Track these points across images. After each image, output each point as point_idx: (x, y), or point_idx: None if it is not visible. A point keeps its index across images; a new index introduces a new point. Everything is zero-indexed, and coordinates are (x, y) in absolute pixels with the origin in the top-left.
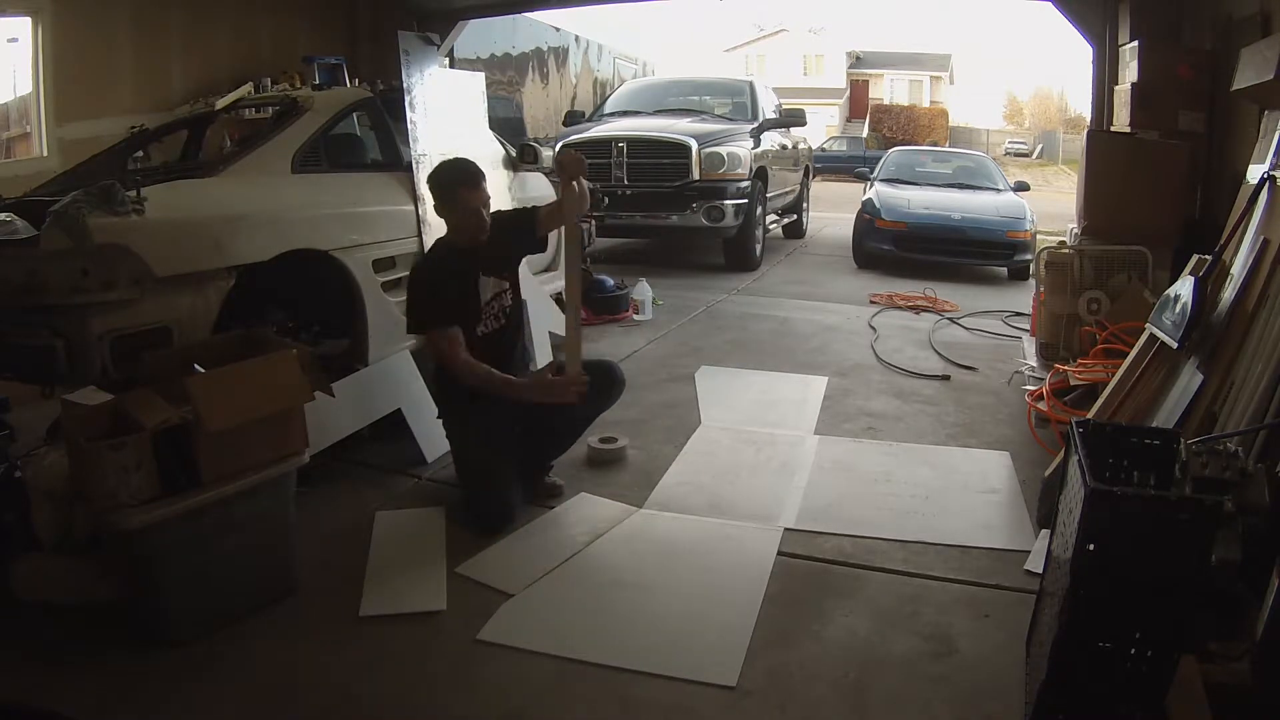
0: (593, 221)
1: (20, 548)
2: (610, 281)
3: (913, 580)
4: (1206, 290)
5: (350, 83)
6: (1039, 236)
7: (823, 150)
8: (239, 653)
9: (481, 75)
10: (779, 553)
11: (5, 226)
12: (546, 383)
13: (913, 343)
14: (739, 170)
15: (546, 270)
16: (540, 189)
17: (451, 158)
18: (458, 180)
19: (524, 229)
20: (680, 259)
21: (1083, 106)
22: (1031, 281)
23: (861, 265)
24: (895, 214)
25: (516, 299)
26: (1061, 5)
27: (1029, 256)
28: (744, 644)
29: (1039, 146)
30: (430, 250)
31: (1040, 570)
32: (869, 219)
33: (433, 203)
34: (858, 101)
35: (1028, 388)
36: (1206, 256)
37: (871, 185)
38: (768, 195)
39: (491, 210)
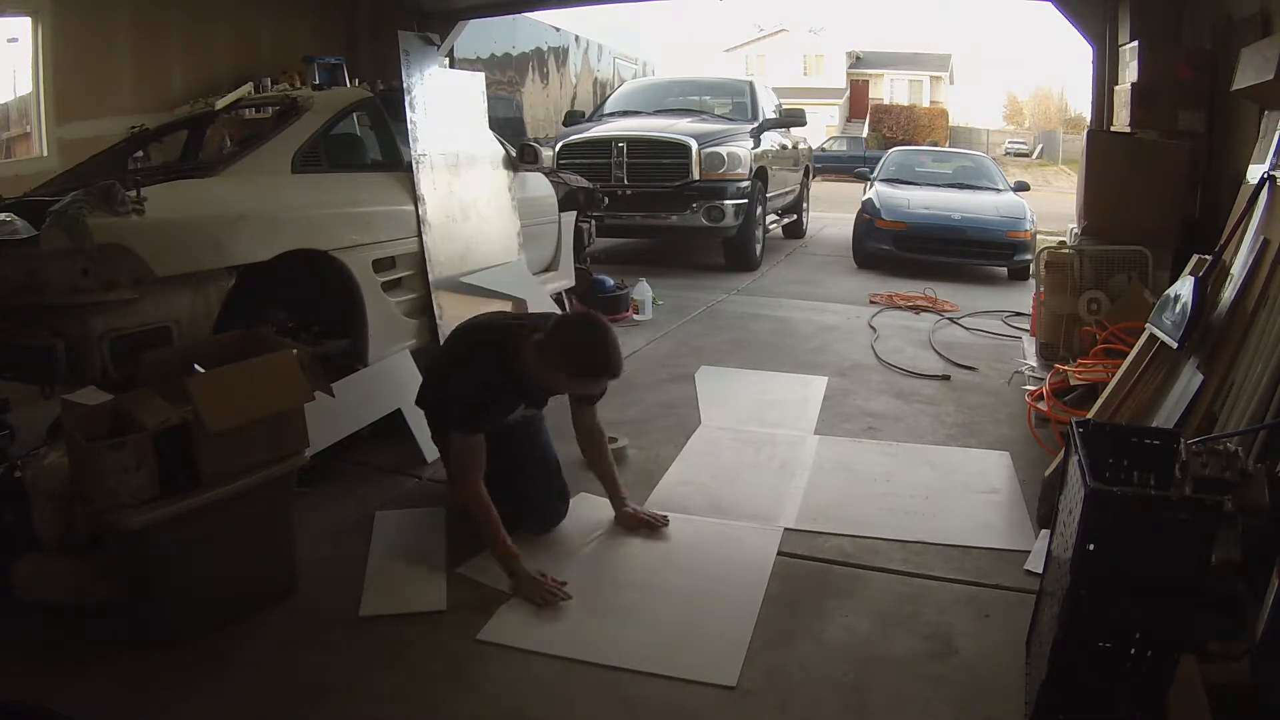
0: (593, 221)
1: (20, 548)
2: (610, 281)
3: (913, 580)
4: (1206, 290)
5: (350, 83)
6: (1039, 236)
7: (823, 150)
8: (239, 653)
9: (481, 75)
10: (779, 553)
11: (5, 226)
12: (532, 584)
13: (913, 343)
14: (739, 170)
15: (546, 270)
16: (540, 189)
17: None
18: (604, 376)
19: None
20: (680, 259)
21: (1083, 106)
22: (1031, 281)
23: (861, 265)
24: (895, 214)
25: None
26: (1061, 5)
27: (1029, 256)
28: (744, 644)
29: (1039, 146)
30: (494, 359)
31: (1040, 570)
32: (869, 219)
33: (563, 358)
34: (858, 101)
35: (1028, 388)
36: (1206, 256)
37: (871, 185)
38: (768, 195)
39: None
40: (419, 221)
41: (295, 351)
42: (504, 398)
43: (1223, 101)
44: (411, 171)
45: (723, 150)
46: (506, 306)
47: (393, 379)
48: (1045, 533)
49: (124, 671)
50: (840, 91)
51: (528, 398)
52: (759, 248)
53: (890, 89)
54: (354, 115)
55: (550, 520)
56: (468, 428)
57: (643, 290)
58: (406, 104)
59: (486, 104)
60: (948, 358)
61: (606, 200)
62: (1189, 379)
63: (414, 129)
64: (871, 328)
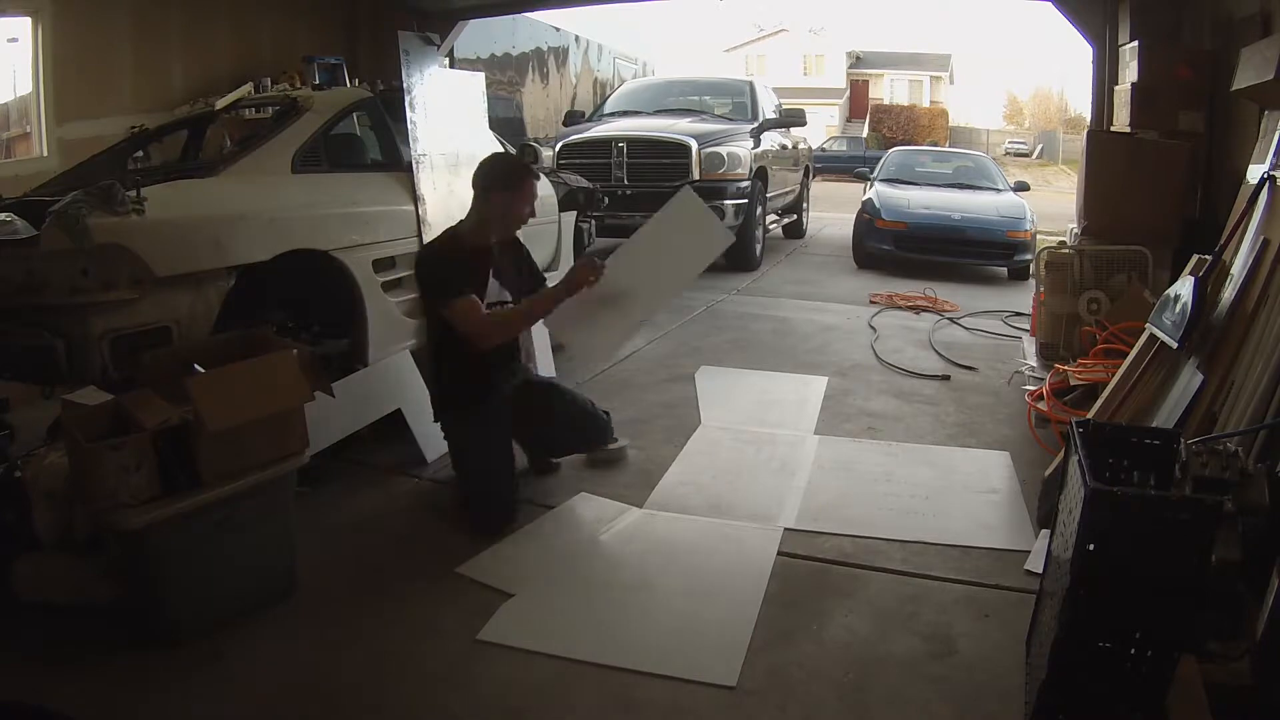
0: (593, 221)
1: (20, 548)
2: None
3: (913, 580)
4: (1206, 290)
5: (350, 83)
6: (1039, 236)
7: (823, 150)
8: (239, 653)
9: (481, 75)
10: (779, 553)
11: (5, 226)
12: (568, 281)
13: (913, 343)
14: (739, 170)
15: (546, 270)
16: (540, 189)
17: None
18: (524, 174)
19: (532, 273)
20: None
21: (1083, 106)
22: (1031, 281)
23: (861, 265)
24: (895, 214)
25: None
26: (1061, 5)
27: (1029, 256)
28: (744, 644)
29: (1039, 146)
30: (438, 239)
31: (1040, 570)
32: (869, 219)
33: (484, 186)
34: (858, 101)
35: (1028, 388)
36: (1206, 256)
37: (871, 185)
38: (768, 195)
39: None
40: (419, 221)
41: (295, 351)
42: (464, 257)
43: (1223, 101)
44: (411, 171)
45: (723, 150)
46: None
47: (393, 379)
48: (1045, 533)
49: (124, 671)
50: (840, 91)
51: (485, 259)
52: (759, 248)
53: (890, 89)
54: (354, 115)
55: (597, 436)
56: (451, 291)
57: None
58: (406, 104)
59: (486, 104)
60: (948, 358)
61: (606, 200)
62: (1189, 379)
63: (414, 129)
64: (871, 328)
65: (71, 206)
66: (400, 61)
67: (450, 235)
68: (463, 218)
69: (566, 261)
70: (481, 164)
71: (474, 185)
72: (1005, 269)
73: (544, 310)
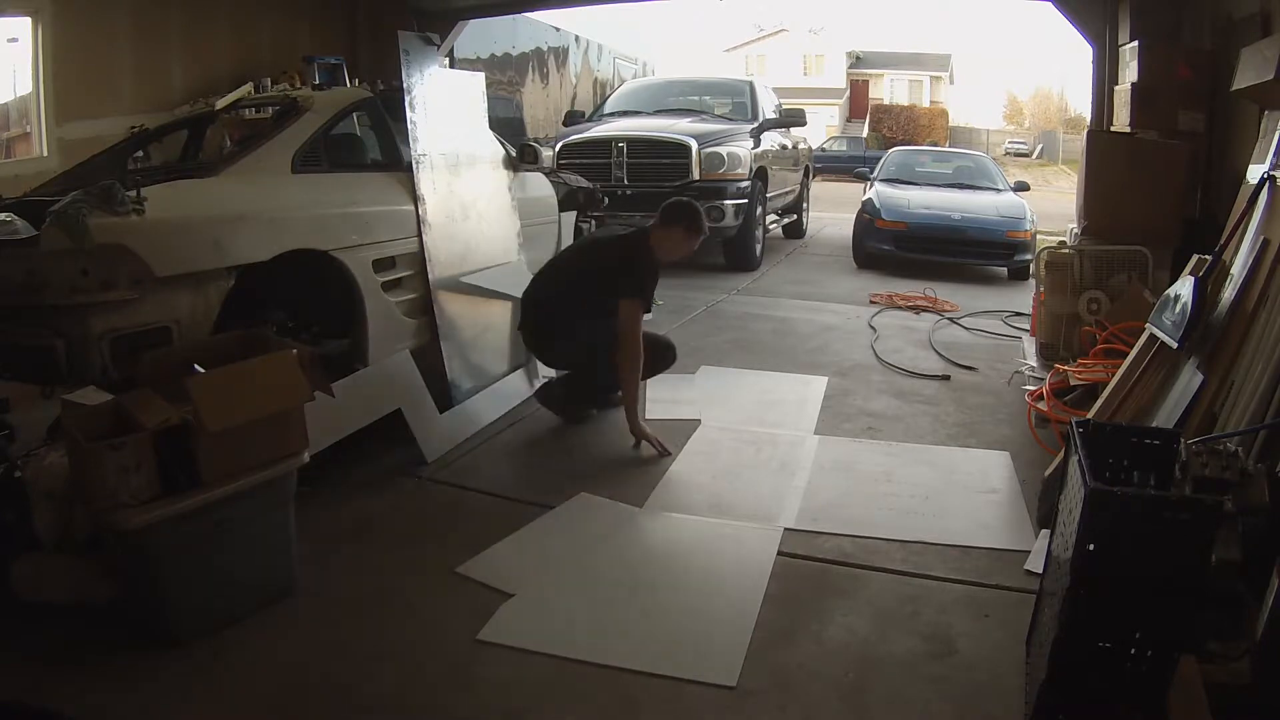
0: (593, 221)
1: (20, 548)
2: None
3: (913, 580)
4: (1206, 290)
5: (350, 83)
6: (1039, 236)
7: (823, 150)
8: (239, 652)
9: (481, 75)
10: (779, 552)
11: (5, 226)
12: (642, 431)
13: (913, 343)
14: (739, 170)
15: None
16: (540, 189)
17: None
18: (703, 229)
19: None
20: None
21: (1083, 106)
22: (1031, 281)
23: (861, 265)
24: (895, 214)
25: None
26: (1061, 5)
27: (1029, 256)
28: (744, 644)
29: (1039, 146)
30: (647, 251)
31: (1040, 570)
32: (869, 219)
33: (681, 228)
34: (858, 101)
35: (1028, 388)
36: (1206, 256)
37: (871, 185)
38: (768, 195)
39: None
40: (419, 221)
41: (295, 351)
42: (653, 271)
43: (1223, 101)
44: (411, 171)
45: (723, 150)
46: (507, 306)
47: (393, 379)
48: (1045, 533)
49: (124, 671)
50: (840, 91)
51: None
52: (759, 248)
53: (890, 89)
54: (354, 115)
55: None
56: (649, 300)
57: None
58: (406, 104)
59: (486, 104)
60: (948, 358)
61: (606, 200)
62: (1189, 379)
63: (414, 129)
64: (871, 328)
65: (71, 206)
66: (400, 61)
67: (651, 248)
68: (654, 232)
69: None
70: (677, 205)
71: (668, 217)
72: (1005, 269)
73: (627, 404)
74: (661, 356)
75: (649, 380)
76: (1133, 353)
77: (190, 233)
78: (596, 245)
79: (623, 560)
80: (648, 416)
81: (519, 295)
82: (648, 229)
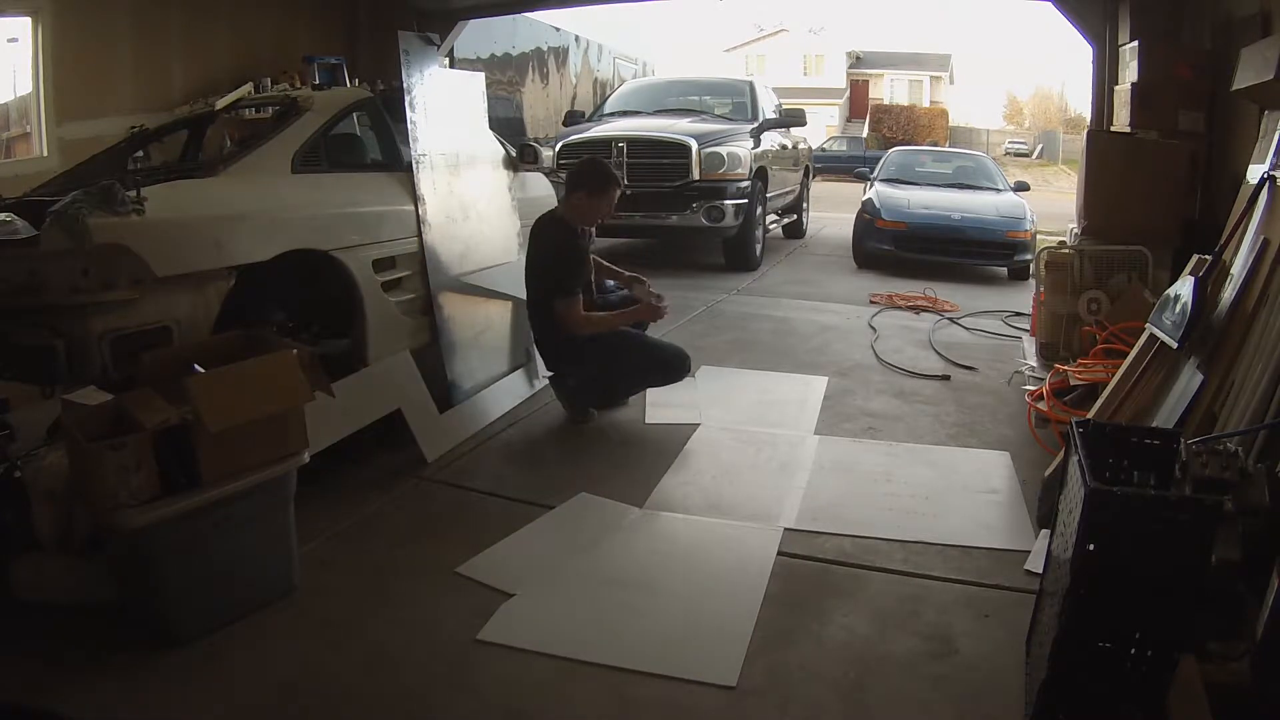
0: None
1: (20, 548)
2: (610, 282)
3: (913, 580)
4: (1206, 290)
5: (350, 83)
6: (1039, 236)
7: (823, 150)
8: (239, 653)
9: (481, 75)
10: (779, 553)
11: (5, 226)
12: (645, 307)
13: (913, 343)
14: (739, 170)
15: None
16: (540, 189)
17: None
18: (613, 182)
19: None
20: (680, 259)
21: (1083, 106)
22: (1031, 281)
23: (861, 265)
24: (895, 214)
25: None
26: (1061, 5)
27: (1029, 256)
28: (744, 644)
29: (1039, 146)
30: (558, 224)
31: (1040, 570)
32: (869, 219)
33: (579, 185)
34: (858, 101)
35: (1028, 388)
36: (1206, 256)
37: (871, 185)
38: (768, 195)
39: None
40: (419, 221)
41: (295, 351)
42: (579, 242)
43: (1223, 101)
44: (411, 171)
45: (723, 150)
46: (507, 306)
47: (393, 379)
48: (1045, 533)
49: (124, 671)
50: (840, 91)
51: (584, 240)
52: (759, 248)
53: (890, 89)
54: (354, 115)
55: (681, 367)
56: (576, 286)
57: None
58: (406, 104)
59: (486, 104)
60: (948, 358)
61: None
62: (1189, 379)
63: (414, 129)
64: (871, 328)
65: (71, 206)
66: (400, 61)
67: (561, 218)
68: (564, 205)
69: None
70: (575, 169)
71: (570, 184)
72: (1005, 269)
73: (626, 324)
74: (676, 369)
75: None
76: (1133, 353)
77: (190, 233)
78: (532, 250)
79: (623, 560)
80: (647, 420)
81: (519, 295)
82: (556, 207)
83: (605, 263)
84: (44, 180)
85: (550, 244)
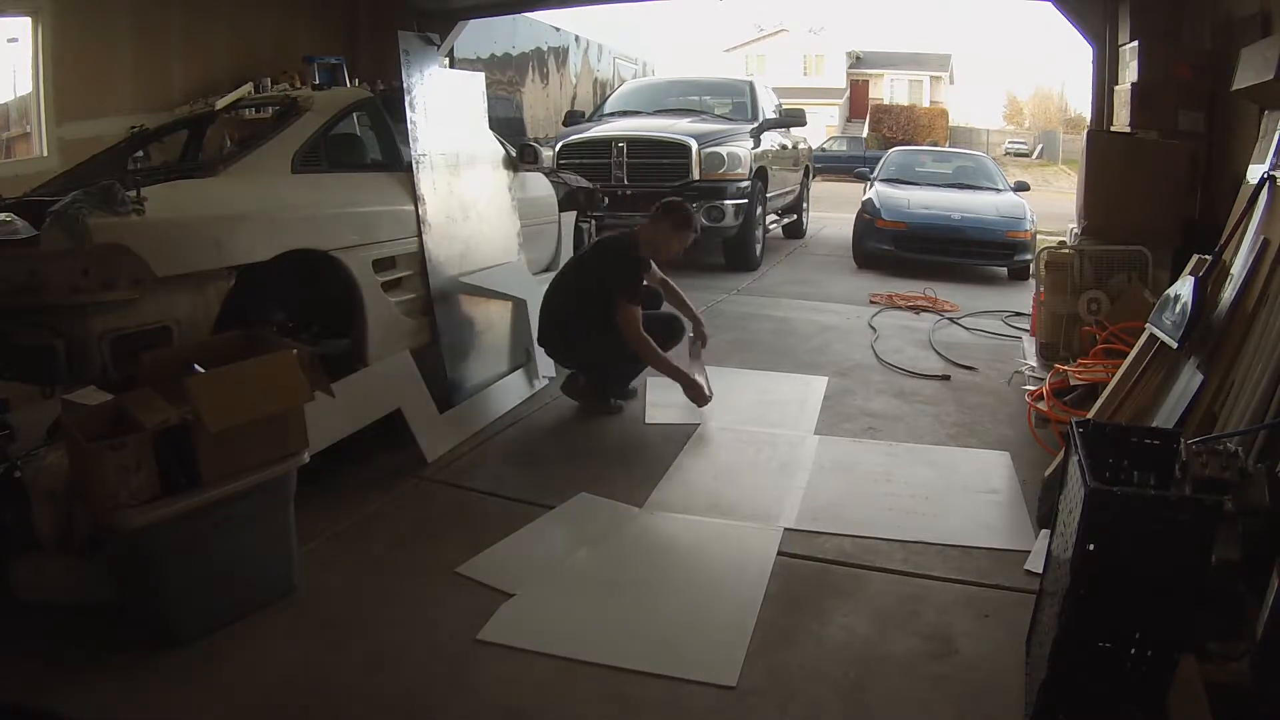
0: (593, 221)
1: (20, 548)
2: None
3: (913, 580)
4: (1206, 290)
5: (350, 83)
6: (1039, 236)
7: (823, 150)
8: (239, 653)
9: (481, 75)
10: (779, 553)
11: (5, 226)
12: (689, 381)
13: (913, 343)
14: (739, 170)
15: (546, 270)
16: (540, 189)
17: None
18: (693, 226)
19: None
20: (680, 258)
21: (1083, 106)
22: (1031, 281)
23: (861, 265)
24: (895, 214)
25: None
26: (1061, 5)
27: (1029, 256)
28: (744, 644)
29: (1039, 146)
30: (633, 250)
31: (1040, 570)
32: (869, 219)
33: (668, 224)
34: (858, 101)
35: (1028, 388)
36: (1206, 256)
37: (871, 185)
38: (768, 195)
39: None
40: (419, 221)
41: (295, 351)
42: (644, 267)
43: (1223, 101)
44: (411, 171)
45: (723, 150)
46: (507, 306)
47: (393, 379)
48: (1045, 533)
49: (124, 671)
50: (840, 91)
51: (646, 270)
52: (759, 248)
53: (890, 89)
54: (354, 115)
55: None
56: (640, 297)
57: None
58: (406, 104)
59: (486, 104)
60: (948, 358)
61: (606, 200)
62: (1189, 379)
63: (414, 129)
64: (871, 328)
65: (71, 206)
66: (400, 61)
67: (636, 247)
68: (643, 231)
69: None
70: (669, 206)
71: (659, 216)
72: (1005, 269)
73: (664, 372)
74: (672, 333)
75: (650, 380)
76: (1133, 353)
77: (190, 233)
78: (591, 257)
79: (623, 560)
80: (647, 420)
81: (519, 295)
82: (635, 229)
83: (681, 293)
84: (44, 180)
85: (621, 259)
